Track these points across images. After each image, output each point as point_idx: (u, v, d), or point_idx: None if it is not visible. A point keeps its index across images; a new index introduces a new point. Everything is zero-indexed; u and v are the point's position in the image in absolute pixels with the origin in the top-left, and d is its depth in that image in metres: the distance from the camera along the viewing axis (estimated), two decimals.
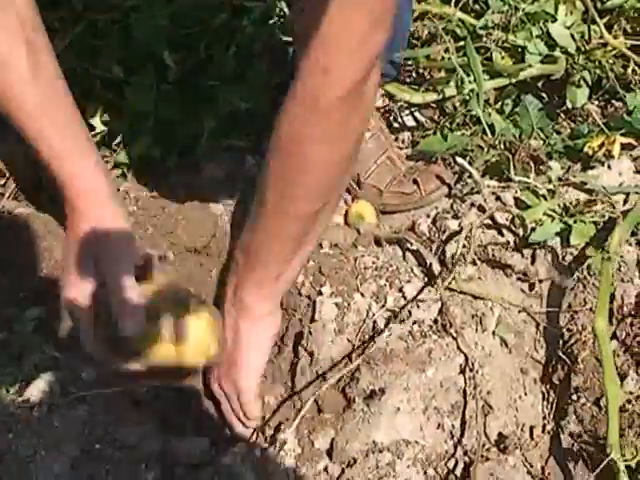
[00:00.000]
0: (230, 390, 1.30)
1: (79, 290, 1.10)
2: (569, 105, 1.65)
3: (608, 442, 1.09)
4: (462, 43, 1.61)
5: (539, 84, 1.71)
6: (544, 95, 1.71)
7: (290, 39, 1.65)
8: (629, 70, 1.64)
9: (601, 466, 1.10)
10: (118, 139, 1.51)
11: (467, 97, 1.59)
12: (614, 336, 1.26)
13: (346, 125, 1.07)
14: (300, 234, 1.19)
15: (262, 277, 1.24)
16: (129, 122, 1.49)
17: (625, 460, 1.09)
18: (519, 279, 1.37)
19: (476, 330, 1.29)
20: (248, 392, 1.28)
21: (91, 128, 1.47)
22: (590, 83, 1.63)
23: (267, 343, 1.30)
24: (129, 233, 1.18)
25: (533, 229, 1.35)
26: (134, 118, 1.48)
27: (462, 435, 1.22)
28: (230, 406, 1.31)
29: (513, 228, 1.38)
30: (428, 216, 1.45)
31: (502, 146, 1.50)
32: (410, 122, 1.72)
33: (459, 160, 1.44)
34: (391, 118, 1.73)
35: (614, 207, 1.35)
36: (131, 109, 1.48)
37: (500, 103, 1.67)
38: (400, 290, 1.35)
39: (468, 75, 1.57)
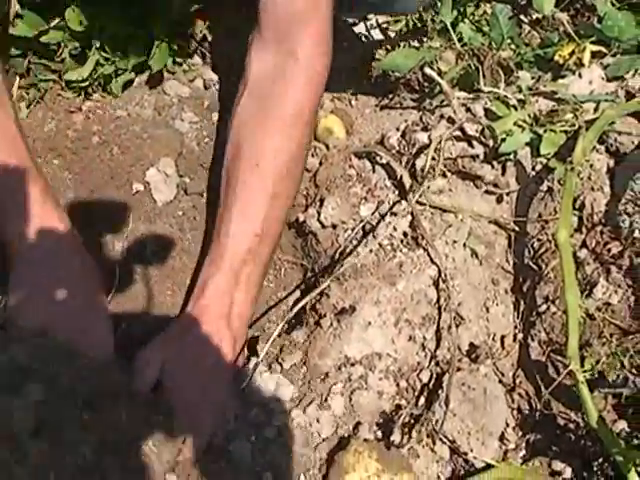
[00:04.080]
0: None
1: None
2: (539, 15, 1.62)
3: (567, 354, 1.09)
4: None
5: None
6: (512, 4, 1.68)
7: None
8: None
9: (560, 379, 1.12)
10: (66, 55, 1.46)
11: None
12: (584, 245, 1.26)
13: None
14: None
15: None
16: (76, 37, 1.44)
17: (585, 371, 1.10)
18: (489, 191, 1.36)
19: (447, 242, 1.29)
20: None
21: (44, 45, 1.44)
22: None
23: None
24: None
25: (503, 140, 1.33)
26: (79, 33, 1.43)
27: (434, 347, 1.23)
28: None
29: (483, 139, 1.36)
30: (397, 129, 1.42)
31: (471, 54, 1.47)
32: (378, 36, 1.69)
33: (427, 71, 1.41)
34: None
35: (584, 116, 1.34)
36: (75, 23, 1.42)
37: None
38: (370, 204, 1.34)
39: None
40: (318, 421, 1.15)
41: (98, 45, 1.44)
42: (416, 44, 1.60)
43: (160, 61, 1.48)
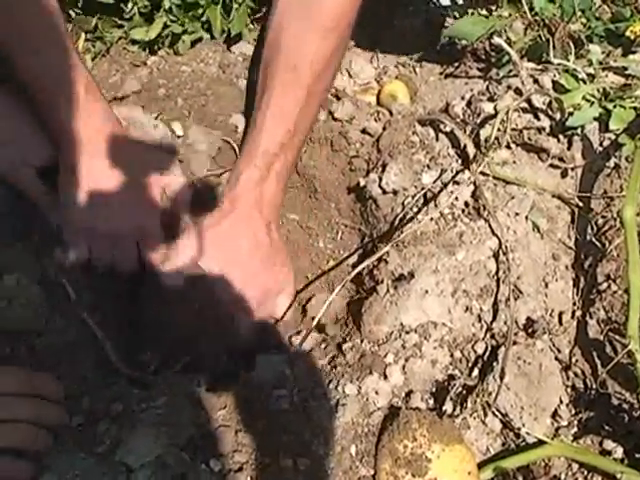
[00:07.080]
0: None
1: None
2: None
3: (627, 333, 1.07)
4: None
5: None
6: None
7: None
8: None
9: (618, 358, 1.10)
10: (135, 12, 1.47)
11: None
12: None
13: None
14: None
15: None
16: None
17: None
18: (554, 165, 1.34)
19: (508, 214, 1.27)
20: None
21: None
22: None
23: None
24: None
25: (571, 113, 1.31)
26: None
27: (490, 319, 1.21)
28: None
29: (550, 112, 1.33)
30: (463, 98, 1.40)
31: (542, 25, 1.45)
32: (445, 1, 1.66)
33: (496, 40, 1.38)
34: None
35: None
36: None
37: None
38: (433, 172, 1.32)
39: None
40: (370, 388, 1.14)
41: (167, 7, 1.44)
42: (484, 12, 1.57)
43: (240, 24, 1.49)
